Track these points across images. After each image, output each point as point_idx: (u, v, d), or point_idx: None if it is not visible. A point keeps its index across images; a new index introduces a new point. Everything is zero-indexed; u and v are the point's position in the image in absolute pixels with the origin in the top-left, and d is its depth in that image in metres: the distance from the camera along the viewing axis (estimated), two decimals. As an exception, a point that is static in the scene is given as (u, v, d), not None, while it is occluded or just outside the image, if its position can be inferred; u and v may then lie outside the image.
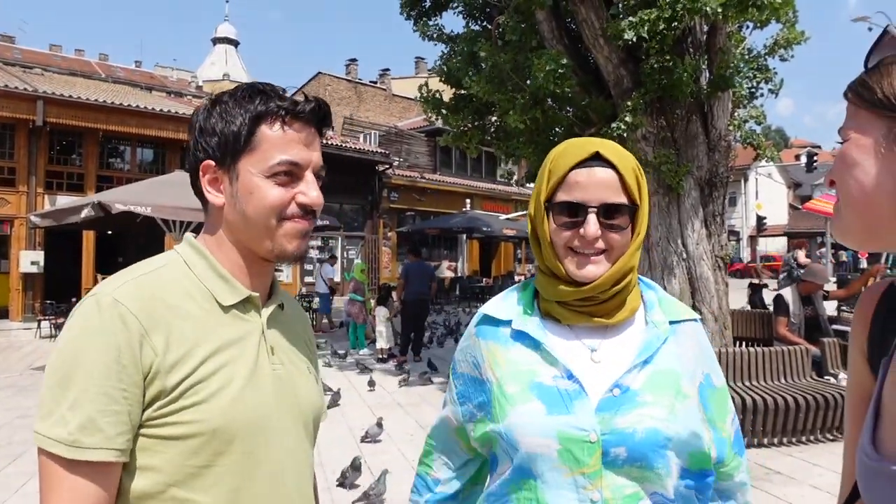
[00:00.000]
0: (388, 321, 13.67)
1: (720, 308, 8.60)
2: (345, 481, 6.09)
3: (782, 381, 7.65)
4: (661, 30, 7.54)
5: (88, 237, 20.50)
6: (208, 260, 1.39)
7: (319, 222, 11.05)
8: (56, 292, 18.97)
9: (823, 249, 38.96)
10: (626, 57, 8.49)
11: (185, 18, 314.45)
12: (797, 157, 56.99)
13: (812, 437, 7.26)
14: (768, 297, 11.15)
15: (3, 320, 19.31)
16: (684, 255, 8.57)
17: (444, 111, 11.14)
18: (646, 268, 8.73)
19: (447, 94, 11.42)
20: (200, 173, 1.39)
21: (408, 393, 10.31)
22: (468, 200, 30.39)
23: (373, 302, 15.03)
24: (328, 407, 8.70)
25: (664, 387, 1.45)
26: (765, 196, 57.23)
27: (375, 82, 48.70)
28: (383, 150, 28.34)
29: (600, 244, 1.46)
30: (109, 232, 18.56)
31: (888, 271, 11.48)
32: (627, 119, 8.06)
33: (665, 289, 8.25)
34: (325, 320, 18.90)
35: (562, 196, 1.48)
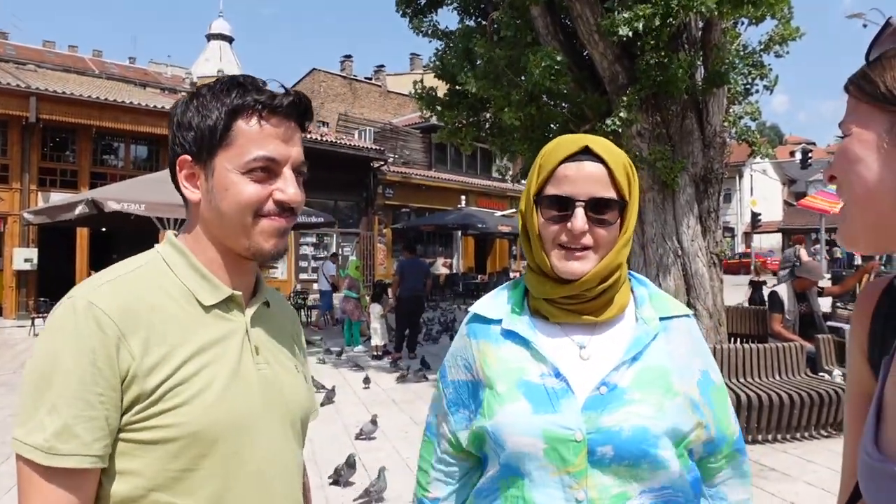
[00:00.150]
0: (382, 318, 13.66)
1: (715, 305, 8.60)
2: (339, 479, 6.07)
3: (777, 377, 7.65)
4: (656, 26, 7.52)
5: (82, 234, 20.44)
6: (189, 259, 1.36)
7: (314, 219, 10.98)
8: (50, 290, 18.85)
9: (818, 246, 38.99)
10: (621, 53, 8.47)
11: (179, 15, 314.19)
12: (792, 154, 57.06)
13: (807, 434, 7.27)
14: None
15: (-3, 318, 19.22)
16: (679, 252, 8.56)
17: (438, 107, 11.12)
18: (640, 264, 8.72)
19: (442, 90, 11.40)
20: (177, 169, 1.36)
21: (402, 390, 10.29)
22: (463, 197, 30.37)
23: (368, 299, 14.99)
24: (322, 404, 8.73)
25: (653, 384, 1.43)
26: (759, 192, 57.26)
27: (370, 79, 48.62)
28: (378, 147, 28.29)
29: (588, 239, 1.44)
30: (104, 229, 18.49)
31: (882, 268, 11.49)
32: (622, 115, 8.04)
33: (660, 285, 8.31)
34: (325, 317, 18.86)
35: (550, 190, 1.48)
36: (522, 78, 8.89)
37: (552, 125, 9.67)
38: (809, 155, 42.13)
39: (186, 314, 1.30)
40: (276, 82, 1.39)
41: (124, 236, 21.94)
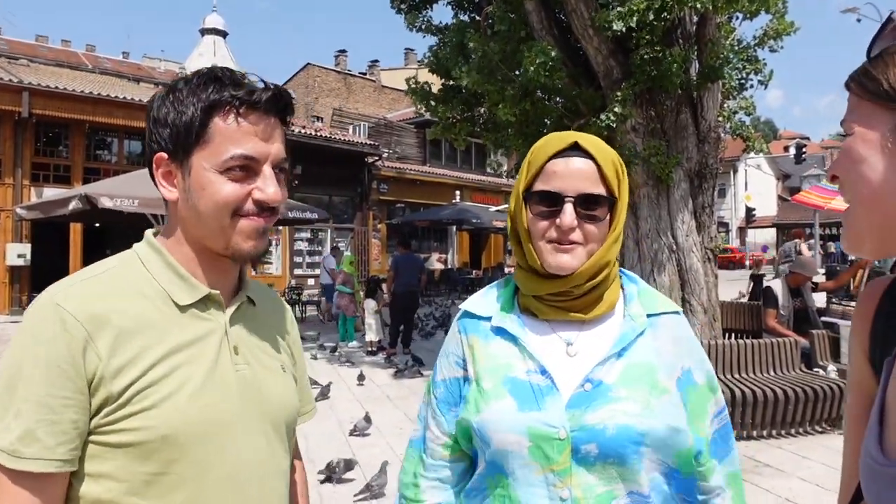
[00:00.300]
0: (376, 313, 13.64)
1: (709, 300, 8.59)
2: (332, 476, 6.04)
3: (771, 373, 7.65)
4: (650, 20, 7.50)
5: (76, 229, 20.36)
6: (165, 258, 1.33)
7: (308, 215, 10.94)
8: (43, 285, 18.17)
9: (812, 241, 39.15)
10: (615, 48, 8.44)
11: (172, 9, 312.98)
12: (786, 149, 57.20)
13: (801, 430, 7.27)
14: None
15: (-10, 314, 19.14)
16: (674, 247, 8.55)
17: (432, 102, 11.09)
18: (635, 259, 8.71)
19: (437, 85, 11.38)
20: (154, 166, 1.33)
21: (397, 386, 10.28)
22: (458, 192, 30.38)
23: (362, 294, 14.98)
24: (316, 399, 8.72)
25: (639, 381, 1.42)
26: (754, 188, 57.46)
27: (365, 74, 48.58)
28: (373, 142, 28.22)
29: (577, 235, 1.44)
30: (97, 225, 18.42)
31: (876, 263, 11.49)
32: (617, 110, 8.02)
33: (655, 281, 8.32)
34: (329, 310, 18.80)
35: (539, 186, 1.47)
36: (517, 73, 8.87)
37: (546, 120, 9.64)
38: (804, 150, 42.28)
39: (161, 314, 1.27)
40: (254, 76, 1.35)
41: (118, 231, 21.88)
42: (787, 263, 10.68)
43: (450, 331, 1.67)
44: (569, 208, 1.42)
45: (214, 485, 1.26)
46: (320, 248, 26.50)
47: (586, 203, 1.44)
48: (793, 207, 47.47)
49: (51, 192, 17.84)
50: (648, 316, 1.52)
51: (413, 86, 11.09)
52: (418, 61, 13.94)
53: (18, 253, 19.07)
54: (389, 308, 13.74)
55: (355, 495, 5.62)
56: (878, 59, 0.93)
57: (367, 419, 7.59)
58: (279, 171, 1.33)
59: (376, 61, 50.24)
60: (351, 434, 7.50)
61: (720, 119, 9.20)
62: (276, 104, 1.32)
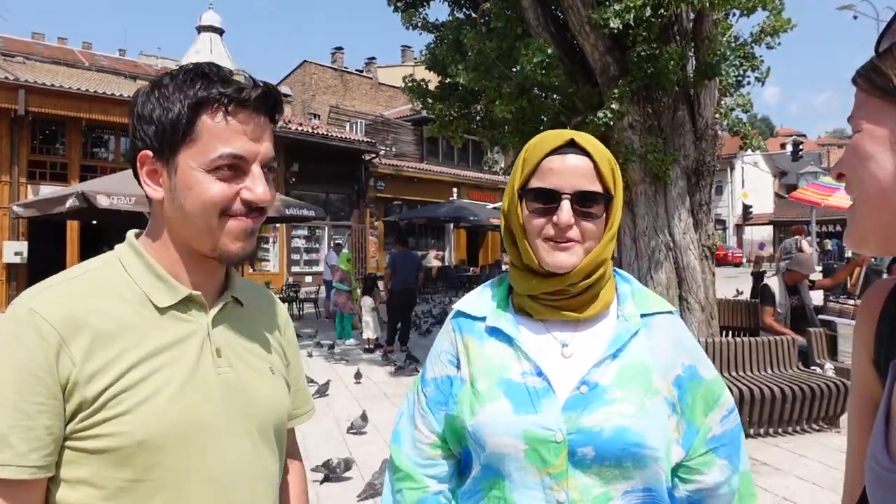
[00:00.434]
0: (373, 311, 13.62)
1: (707, 298, 8.58)
2: (331, 475, 6.01)
3: (769, 371, 7.64)
4: (647, 17, 7.48)
5: (73, 227, 20.33)
6: (144, 259, 1.30)
7: (305, 213, 10.92)
8: None
9: (809, 238, 39.16)
10: (612, 45, 8.42)
11: (169, 6, 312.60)
12: (783, 146, 57.28)
13: (798, 428, 7.26)
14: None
15: (-14, 312, 19.09)
16: (671, 245, 8.54)
17: (429, 99, 11.08)
18: (632, 257, 8.71)
19: (434, 82, 11.36)
20: (138, 164, 1.29)
21: (394, 384, 10.27)
22: (455, 189, 30.35)
23: (359, 291, 14.96)
24: (313, 395, 8.69)
25: (633, 381, 1.41)
26: (750, 185, 57.50)
27: (361, 71, 48.53)
28: (369, 139, 28.21)
29: (574, 233, 1.43)
30: (94, 222, 18.39)
31: (873, 261, 11.49)
32: (614, 107, 8.00)
33: (652, 278, 8.30)
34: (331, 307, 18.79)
35: (535, 183, 1.46)
36: (514, 70, 8.85)
37: (543, 117, 9.62)
38: (800, 147, 42.29)
39: (140, 317, 1.24)
40: (243, 73, 1.32)
41: (115, 229, 21.82)
42: (786, 260, 10.67)
43: (442, 330, 1.65)
44: (566, 205, 1.41)
45: (196, 487, 1.23)
46: (317, 246, 26.49)
47: (583, 200, 1.43)
48: (790, 205, 47.53)
49: (47, 190, 17.81)
50: (642, 316, 1.51)
51: (410, 83, 11.07)
52: (415, 58, 13.91)
53: (15, 251, 19.03)
54: (387, 306, 13.72)
55: (358, 496, 5.57)
56: (887, 55, 0.91)
57: (364, 417, 7.58)
58: (268, 171, 1.31)
59: (373, 58, 50.20)
60: (348, 431, 7.49)
61: (717, 116, 9.19)
62: (265, 102, 1.29)
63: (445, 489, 1.58)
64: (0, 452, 1.10)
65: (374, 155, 27.61)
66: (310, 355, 12.61)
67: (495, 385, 1.43)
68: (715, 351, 7.41)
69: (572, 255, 1.43)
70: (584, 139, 1.46)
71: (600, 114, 8.07)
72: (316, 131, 25.46)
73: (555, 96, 9.67)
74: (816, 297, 10.29)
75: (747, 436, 7.03)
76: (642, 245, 8.65)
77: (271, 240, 25.10)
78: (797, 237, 12.53)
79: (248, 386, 1.35)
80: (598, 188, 1.44)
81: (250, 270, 23.73)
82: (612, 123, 8.10)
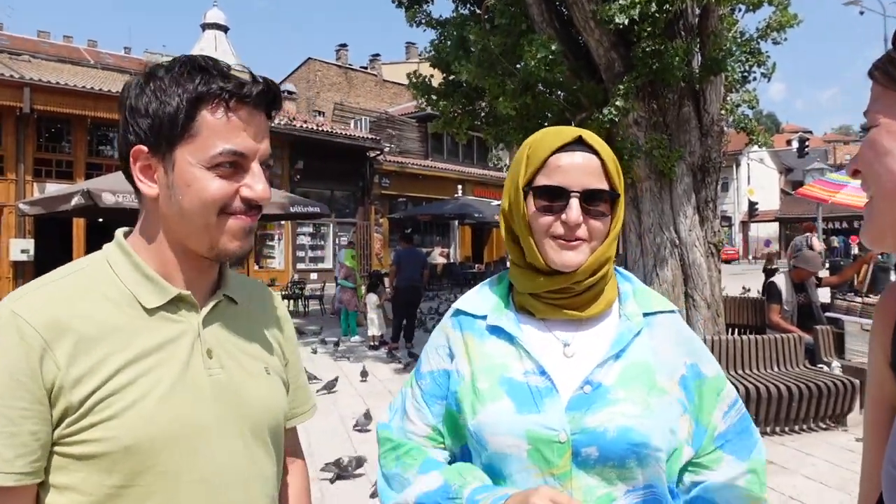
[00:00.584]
0: (378, 308, 13.61)
1: (713, 295, 8.54)
2: (342, 474, 5.98)
3: (775, 369, 7.60)
4: (652, 13, 7.45)
5: (79, 224, 20.41)
6: (132, 259, 1.27)
7: (310, 210, 10.91)
8: None
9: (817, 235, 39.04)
10: (617, 40, 8.38)
11: (174, 4, 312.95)
12: (789, 143, 57.20)
13: (805, 426, 7.21)
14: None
15: (-7, 309, 19.13)
16: (676, 242, 8.50)
17: (433, 96, 11.05)
18: (638, 254, 8.68)
19: (438, 79, 11.33)
20: (131, 160, 1.25)
21: (400, 381, 10.22)
22: (460, 186, 30.39)
23: (363, 289, 14.95)
24: (318, 391, 8.68)
25: (636, 380, 1.39)
26: (756, 181, 57.35)
27: (366, 68, 48.52)
28: (374, 136, 28.24)
29: (582, 231, 1.41)
30: (100, 220, 18.43)
31: (881, 258, 11.44)
32: (619, 103, 7.96)
33: (657, 275, 8.27)
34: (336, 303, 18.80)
35: (542, 180, 1.43)
36: (518, 66, 8.82)
37: (547, 114, 9.59)
38: (806, 143, 42.18)
39: (127, 318, 1.21)
40: (242, 67, 1.29)
41: (121, 226, 21.92)
42: (797, 258, 10.64)
43: (439, 326, 1.63)
44: (575, 203, 1.39)
45: (187, 489, 1.20)
46: (322, 243, 26.52)
47: (591, 198, 1.41)
48: (795, 201, 47.34)
49: (53, 188, 17.87)
50: (644, 315, 1.49)
51: (414, 80, 11.04)
52: (420, 55, 13.88)
53: (22, 248, 19.12)
54: (392, 303, 13.69)
55: (371, 494, 5.49)
56: None
57: (367, 416, 7.56)
58: (265, 168, 1.28)
59: (377, 55, 50.19)
60: (353, 428, 7.48)
61: (723, 112, 9.13)
62: (265, 98, 1.26)
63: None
64: None
65: (378, 152, 27.64)
66: (314, 352, 12.60)
67: (497, 384, 1.41)
68: (721, 348, 7.37)
69: (580, 253, 1.41)
70: (592, 137, 1.44)
71: (605, 110, 8.04)
72: (320, 128, 25.49)
73: (559, 92, 9.65)
74: (823, 295, 10.24)
75: (753, 434, 6.99)
76: (648, 242, 8.61)
77: (276, 237, 25.13)
78: (808, 234, 12.50)
79: (241, 387, 1.32)
80: (605, 186, 1.42)
81: (256, 268, 23.76)
82: (617, 120, 8.07)
